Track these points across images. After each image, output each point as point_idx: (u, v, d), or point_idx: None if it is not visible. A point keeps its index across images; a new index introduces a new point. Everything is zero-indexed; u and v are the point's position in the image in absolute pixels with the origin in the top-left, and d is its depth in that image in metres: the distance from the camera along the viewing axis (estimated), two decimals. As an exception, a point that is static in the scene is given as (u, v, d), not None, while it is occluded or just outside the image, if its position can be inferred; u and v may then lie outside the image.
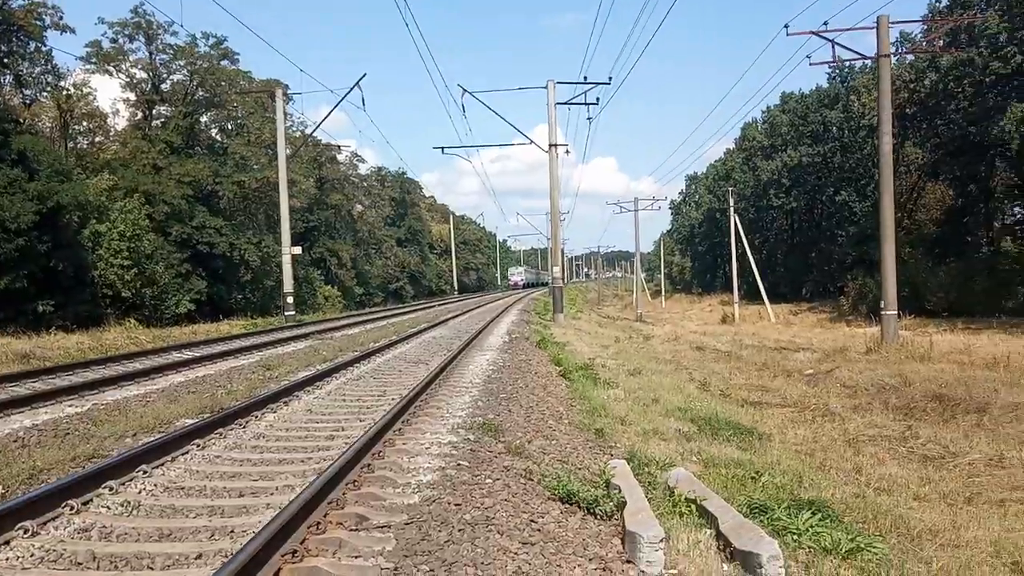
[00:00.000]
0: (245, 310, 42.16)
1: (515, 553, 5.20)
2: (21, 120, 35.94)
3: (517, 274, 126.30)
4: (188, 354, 16.42)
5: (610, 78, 39.78)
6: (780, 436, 12.03)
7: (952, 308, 36.34)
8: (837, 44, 23.22)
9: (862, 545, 6.38)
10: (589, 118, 41.40)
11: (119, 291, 33.65)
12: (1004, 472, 9.76)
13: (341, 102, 41.27)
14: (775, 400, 15.97)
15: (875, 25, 22.65)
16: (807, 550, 6.38)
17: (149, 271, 35.33)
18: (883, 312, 22.51)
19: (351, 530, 5.19)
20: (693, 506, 7.11)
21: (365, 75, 42.83)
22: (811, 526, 6.78)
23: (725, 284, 65.18)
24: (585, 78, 36.38)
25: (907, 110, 43.79)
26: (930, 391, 14.54)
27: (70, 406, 9.99)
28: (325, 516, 5.31)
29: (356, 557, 4.75)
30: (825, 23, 23.25)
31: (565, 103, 31.61)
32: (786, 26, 23.34)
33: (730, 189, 56.97)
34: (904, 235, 41.89)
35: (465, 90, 31.01)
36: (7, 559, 4.63)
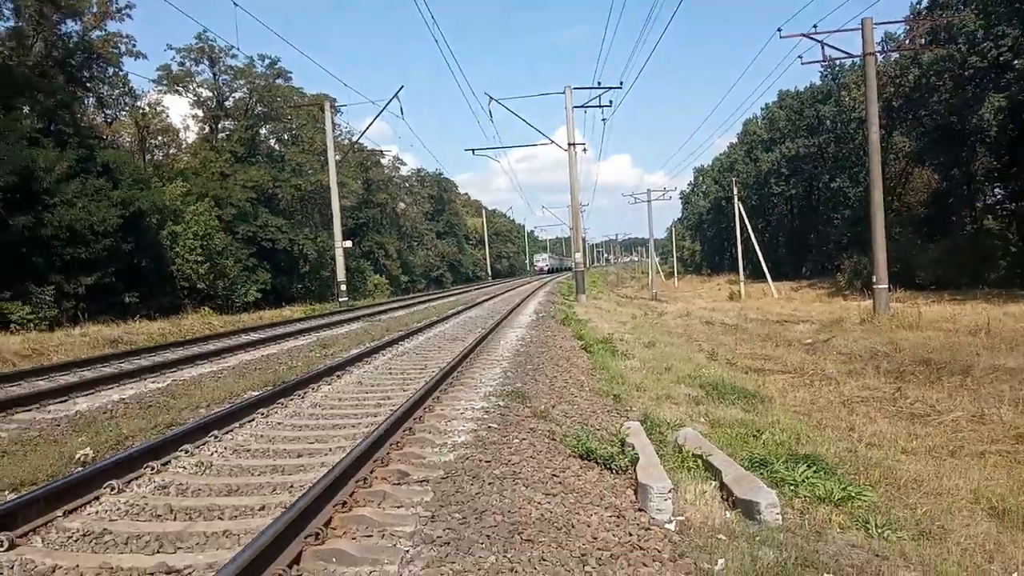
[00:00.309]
0: (305, 298, 42.59)
1: (539, 503, 5.24)
2: (104, 137, 36.53)
3: (542, 260, 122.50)
4: (254, 336, 16.65)
5: (621, 82, 39.32)
6: (780, 399, 11.90)
7: (940, 282, 35.67)
8: (826, 45, 22.76)
9: (853, 494, 6.33)
10: (604, 119, 41.17)
11: (195, 283, 34.16)
12: (984, 428, 9.57)
13: (382, 112, 41.53)
14: (776, 367, 15.78)
15: (860, 27, 22.17)
16: (803, 499, 6.34)
17: (220, 265, 35.78)
18: (875, 286, 22.12)
19: (394, 484, 5.26)
20: (699, 461, 7.09)
21: (403, 87, 42.97)
22: (807, 477, 6.73)
23: (732, 265, 64.48)
24: (599, 83, 36.36)
25: (894, 103, 43.06)
26: (918, 356, 14.29)
27: (152, 382, 10.20)
28: (371, 472, 5.38)
29: (398, 507, 4.83)
30: (815, 26, 22.85)
31: (581, 106, 31.43)
32: (779, 29, 22.92)
33: (733, 179, 56.28)
34: (894, 216, 41.20)
35: (492, 97, 31.00)
36: (96, 512, 4.77)
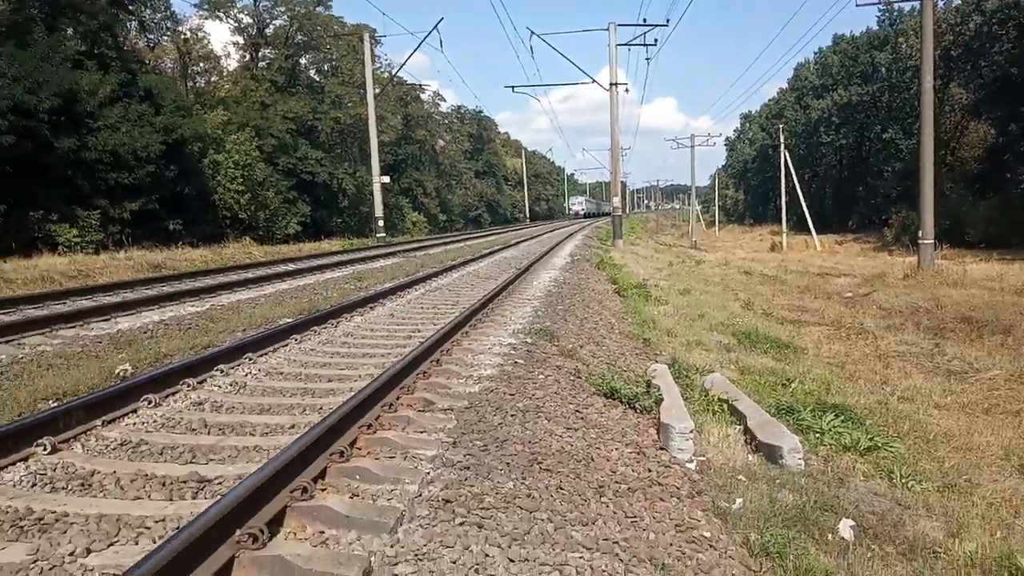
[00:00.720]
0: (343, 232, 42.98)
1: (559, 435, 5.35)
2: (146, 62, 36.70)
3: (578, 204, 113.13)
4: (292, 267, 16.96)
5: (667, 20, 38.24)
6: (814, 350, 11.85)
7: (990, 240, 34.63)
8: (887, -14, 21.73)
9: (879, 444, 6.35)
10: (648, 58, 40.10)
11: (236, 213, 34.62)
12: (1022, 387, 9.45)
13: (421, 44, 41.00)
14: (813, 319, 15.65)
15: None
16: (828, 447, 6.38)
17: (261, 196, 36.16)
18: (920, 241, 21.60)
19: (418, 411, 5.40)
20: (725, 406, 7.15)
21: (442, 19, 42.10)
22: (834, 426, 6.75)
23: (776, 216, 63.30)
24: (644, 20, 35.12)
25: (952, 52, 41.31)
26: (960, 313, 14.03)
27: (191, 306, 10.50)
28: (397, 399, 5.52)
29: (421, 432, 4.97)
30: (876, -35, 21.82)
31: (625, 44, 30.74)
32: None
33: (780, 127, 54.79)
34: (947, 171, 39.95)
35: (533, 32, 30.35)
36: (133, 424, 4.99)
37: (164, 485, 3.97)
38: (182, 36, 43.22)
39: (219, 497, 3.48)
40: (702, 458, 5.78)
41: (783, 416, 6.98)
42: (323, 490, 4.01)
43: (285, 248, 26.98)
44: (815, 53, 72.98)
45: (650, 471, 5.17)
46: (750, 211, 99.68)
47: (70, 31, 28.94)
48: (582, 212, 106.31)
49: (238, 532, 3.23)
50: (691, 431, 5.86)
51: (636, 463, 5.26)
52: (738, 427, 6.63)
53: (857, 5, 23.11)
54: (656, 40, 33.20)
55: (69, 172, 23.47)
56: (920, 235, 21.67)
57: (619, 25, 30.53)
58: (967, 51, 41.16)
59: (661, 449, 5.79)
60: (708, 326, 12.72)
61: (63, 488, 3.91)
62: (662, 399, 6.82)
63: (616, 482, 4.82)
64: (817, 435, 6.54)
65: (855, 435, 6.40)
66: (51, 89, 22.40)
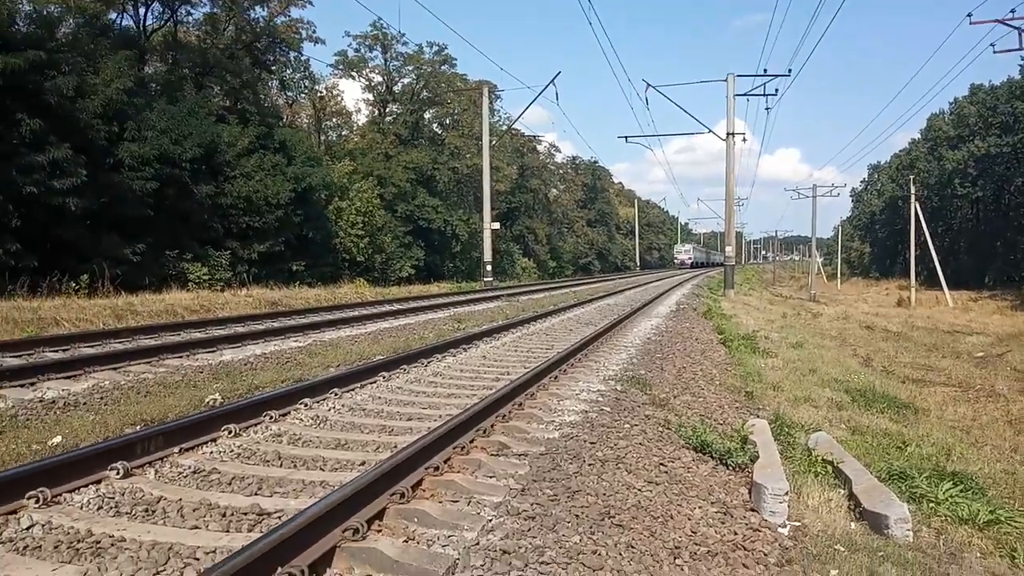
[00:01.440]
0: (455, 276, 43.76)
1: (638, 489, 4.97)
2: (284, 117, 39.12)
3: (684, 252, 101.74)
4: (397, 307, 17.25)
5: (789, 70, 37.13)
6: (937, 412, 10.82)
7: None
8: (1024, 33, 20.18)
9: (1002, 518, 5.59)
10: (768, 108, 38.97)
11: (355, 256, 35.88)
12: None
13: (538, 97, 41.77)
14: (939, 379, 14.39)
15: (1072, 6, 19.50)
16: (942, 518, 5.67)
17: (379, 241, 37.41)
18: (1066, 299, 19.57)
19: (491, 454, 5.16)
20: (829, 467, 6.54)
21: (559, 73, 42.68)
22: (951, 496, 6.03)
23: (904, 270, 59.48)
24: (765, 71, 34.31)
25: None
26: (1109, 379, 12.50)
27: (295, 341, 10.77)
28: (471, 441, 5.31)
29: (491, 477, 4.73)
30: (1012, 11, 20.30)
31: (743, 94, 29.99)
32: (969, 15, 20.63)
33: (911, 177, 51.78)
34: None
35: (649, 84, 30.14)
36: (210, 452, 5.02)
37: (224, 516, 3.91)
38: (318, 93, 45.97)
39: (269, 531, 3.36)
40: (797, 523, 5.23)
41: (894, 482, 6.30)
42: (378, 531, 3.83)
43: (396, 289, 27.64)
44: (950, 103, 69.15)
45: (735, 534, 4.70)
46: (876, 264, 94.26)
47: (216, 88, 31.31)
48: (688, 261, 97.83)
49: (279, 570, 3.08)
50: (785, 492, 5.32)
51: (721, 524, 4.81)
52: (842, 491, 6.02)
53: (995, 52, 21.56)
54: (777, 90, 32.44)
55: (205, 216, 25.07)
56: (1065, 292, 19.63)
57: (738, 76, 30.00)
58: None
59: (751, 511, 5.28)
60: (819, 382, 11.89)
61: (127, 513, 3.92)
62: (757, 456, 6.29)
63: (695, 544, 4.39)
64: (931, 505, 5.84)
65: (975, 506, 5.66)
66: (195, 140, 24.12)
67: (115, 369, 7.95)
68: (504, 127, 51.97)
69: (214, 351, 9.40)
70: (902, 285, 54.60)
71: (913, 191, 48.26)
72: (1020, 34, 20.57)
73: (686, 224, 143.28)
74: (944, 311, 37.11)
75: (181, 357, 8.82)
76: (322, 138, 46.88)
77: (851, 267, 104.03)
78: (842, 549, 4.77)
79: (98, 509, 3.93)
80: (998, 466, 7.40)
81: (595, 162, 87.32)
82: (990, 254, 59.30)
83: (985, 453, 8.04)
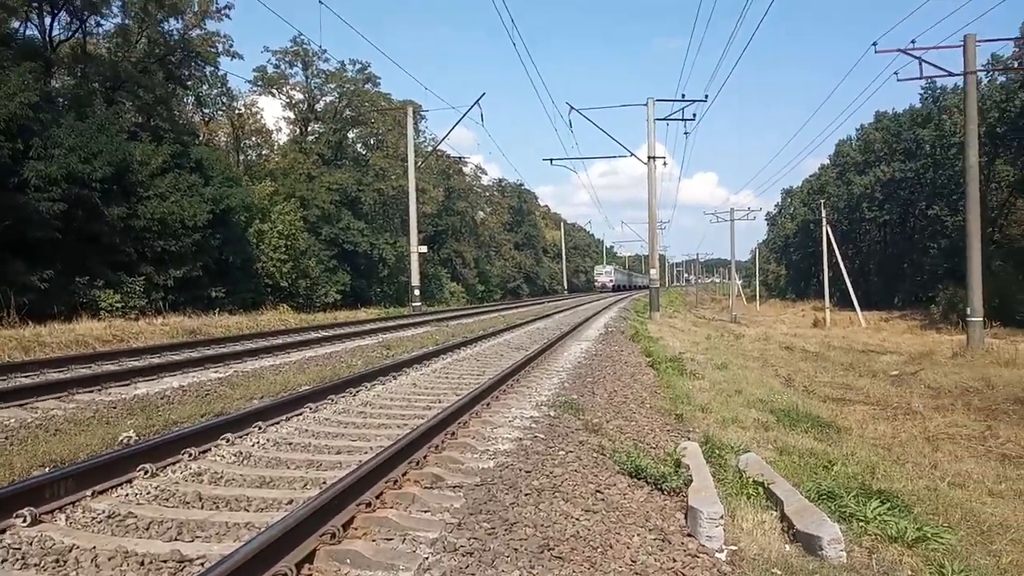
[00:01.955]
0: (382, 301, 43.15)
1: (576, 518, 4.94)
2: (200, 135, 38.00)
3: (605, 274, 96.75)
4: (323, 334, 16.88)
5: (706, 95, 38.53)
6: (859, 430, 11.22)
7: (1042, 319, 33.28)
8: (925, 62, 21.50)
9: (929, 535, 5.78)
10: (686, 132, 40.16)
11: (278, 281, 34.96)
12: (1087, 475, 8.70)
13: (462, 118, 41.95)
14: (858, 398, 14.96)
15: (962, 43, 20.89)
16: (873, 537, 5.84)
17: (303, 265, 36.58)
18: (969, 319, 20.72)
19: (425, 487, 5.05)
20: (760, 489, 6.66)
21: (484, 94, 43.06)
22: (879, 514, 6.21)
23: (819, 291, 62.04)
24: (683, 96, 35.45)
25: (998, 129, 40.68)
26: (1013, 394, 13.24)
27: (215, 372, 10.37)
28: (404, 475, 5.19)
29: (425, 511, 4.61)
30: (913, 41, 21.62)
31: (664, 119, 30.84)
32: (874, 44, 21.85)
33: (822, 202, 54.22)
34: (995, 248, 38.87)
35: (572, 107, 30.67)
36: (126, 494, 4.73)
37: (142, 564, 3.68)
38: (236, 111, 44.92)
39: (189, 581, 3.17)
40: (733, 547, 5.29)
41: (824, 502, 6.46)
42: None
43: (321, 316, 27.08)
44: (857, 130, 72.97)
45: (675, 561, 4.71)
46: (792, 286, 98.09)
47: (128, 104, 30.18)
48: (610, 284, 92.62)
49: (203, 623, 2.91)
50: (721, 516, 5.39)
51: (659, 551, 4.81)
52: (774, 513, 6.13)
53: (898, 80, 22.86)
54: (695, 114, 33.37)
55: (117, 240, 23.99)
56: (968, 312, 20.82)
57: (657, 100, 30.83)
58: (1013, 128, 40.52)
59: (688, 536, 5.32)
60: (745, 402, 12.18)
61: (35, 565, 3.64)
62: (691, 479, 6.36)
63: (636, 573, 4.38)
64: (861, 523, 6.00)
65: (902, 524, 5.84)
66: (105, 159, 23.10)
67: (21, 406, 7.46)
68: (429, 148, 51.96)
69: (128, 384, 8.95)
70: (817, 306, 56.93)
71: (824, 215, 50.52)
72: (920, 63, 21.92)
73: (611, 247, 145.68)
74: (858, 331, 38.79)
75: (93, 391, 8.36)
76: (241, 157, 45.76)
77: (769, 289, 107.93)
78: (779, 572, 4.84)
79: (2, 562, 3.63)
80: (920, 483, 7.70)
81: (521, 185, 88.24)
82: (898, 275, 62.55)
83: (907, 470, 8.35)
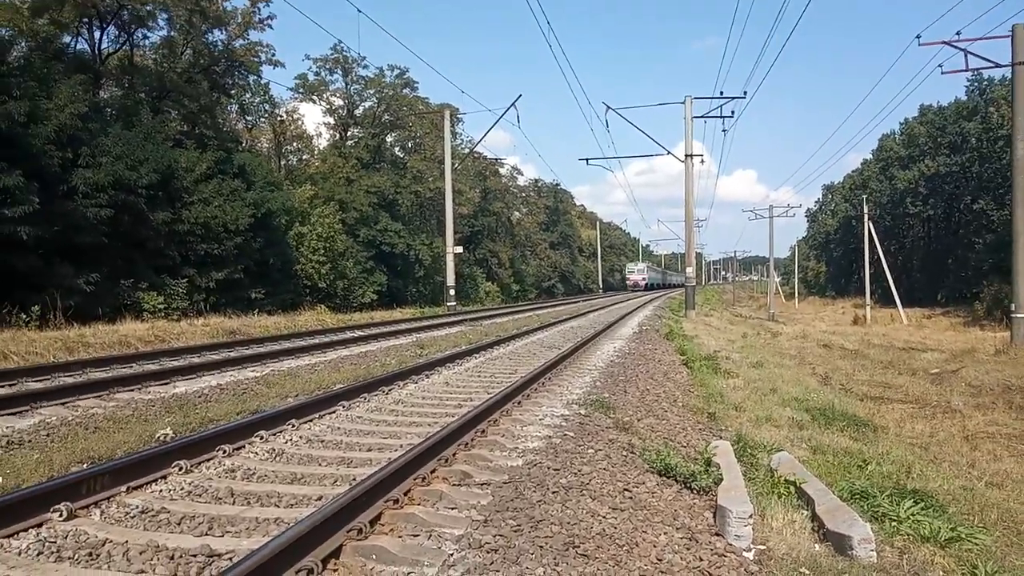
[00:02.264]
0: (418, 301, 43.39)
1: (603, 516, 4.90)
2: (243, 141, 38.64)
3: (637, 272, 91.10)
4: (358, 334, 17.04)
5: (744, 92, 37.99)
6: (896, 429, 10.96)
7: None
8: (970, 53, 20.91)
9: (963, 535, 5.62)
10: (724, 130, 39.56)
11: (316, 282, 35.39)
12: None
13: (499, 120, 42.04)
14: (896, 396, 14.61)
15: (1010, 33, 20.25)
16: (905, 537, 5.69)
17: (341, 267, 36.96)
18: (1013, 315, 20.07)
19: (453, 484, 5.05)
20: (792, 488, 6.55)
21: (520, 96, 43.04)
22: (912, 514, 6.06)
23: (859, 288, 60.74)
24: (721, 93, 34.99)
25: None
26: (1059, 393, 12.81)
27: (252, 371, 10.52)
28: (433, 472, 5.20)
29: (452, 508, 4.62)
30: (958, 32, 21.04)
31: (701, 117, 30.49)
32: (918, 36, 21.32)
33: (864, 197, 53.08)
34: (1044, 242, 37.51)
35: (609, 107, 30.49)
36: (160, 490, 4.82)
37: (172, 559, 3.73)
38: (278, 118, 45.58)
39: None
40: (762, 547, 5.20)
41: (856, 501, 6.32)
42: (334, 571, 3.70)
43: (357, 316, 27.30)
44: (900, 124, 71.26)
45: (701, 560, 4.64)
46: (832, 283, 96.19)
47: (173, 113, 30.83)
48: (642, 282, 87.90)
49: (228, 616, 2.94)
50: (750, 515, 5.29)
51: (686, 550, 4.74)
52: (805, 512, 6.00)
53: (943, 73, 22.30)
54: (733, 112, 32.93)
55: (162, 244, 24.51)
56: (1013, 309, 20.19)
57: (695, 98, 30.50)
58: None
59: (716, 535, 5.24)
60: (780, 401, 11.98)
61: (69, 558, 3.72)
62: (722, 479, 6.26)
63: (661, 572, 4.32)
64: (894, 523, 5.86)
65: (936, 524, 5.69)
66: (151, 166, 23.63)
67: (63, 404, 7.66)
68: (466, 150, 52.14)
69: (167, 383, 9.13)
70: (857, 303, 55.82)
71: (866, 210, 49.45)
72: (966, 55, 21.33)
73: (647, 245, 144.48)
74: (899, 328, 37.92)
75: (133, 390, 8.54)
76: (282, 163, 46.42)
77: (808, 286, 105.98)
78: (808, 572, 4.74)
79: (38, 555, 3.73)
80: (956, 482, 7.48)
81: (557, 184, 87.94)
82: (942, 272, 60.90)
83: (944, 470, 8.13)
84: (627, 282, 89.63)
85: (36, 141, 19.83)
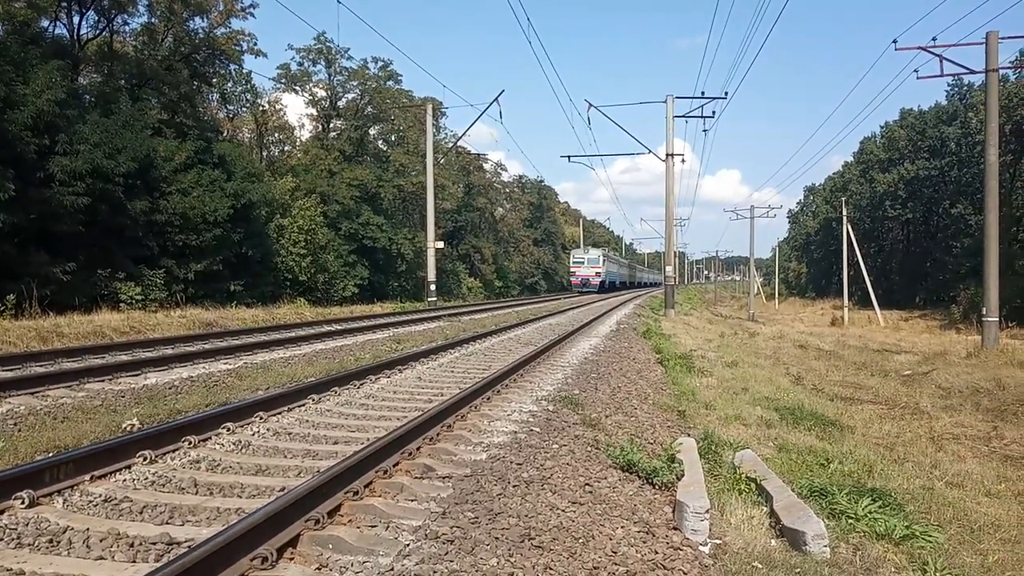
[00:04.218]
0: (399, 296, 43.34)
1: (562, 510, 5.00)
2: (224, 131, 38.39)
3: (588, 263, 61.91)
4: (336, 328, 17.04)
5: (725, 93, 38.24)
6: (863, 430, 11.16)
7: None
8: (945, 59, 21.24)
9: (917, 533, 5.79)
10: (704, 130, 39.85)
11: (297, 275, 35.25)
12: (1090, 477, 8.60)
13: (481, 116, 42.06)
14: (867, 397, 14.86)
15: (984, 40, 20.60)
16: (860, 534, 5.85)
17: (322, 260, 36.86)
18: (984, 318, 20.45)
19: (415, 477, 5.15)
20: (753, 485, 6.69)
21: (503, 91, 42.87)
22: (869, 512, 6.22)
23: (839, 289, 61.50)
24: (703, 93, 35.22)
25: (1024, 127, 39.99)
26: (1023, 395, 13.08)
27: (224, 363, 10.54)
28: (395, 465, 5.29)
29: (412, 500, 4.71)
30: (934, 38, 21.38)
31: (682, 116, 30.68)
32: (894, 41, 21.64)
33: (843, 199, 53.67)
34: (1019, 248, 38.18)
35: (591, 104, 30.47)
36: (124, 480, 4.89)
37: (132, 546, 3.81)
38: (260, 108, 45.31)
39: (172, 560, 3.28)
40: (718, 541, 5.34)
41: (815, 499, 6.48)
42: (290, 559, 3.79)
43: (337, 310, 27.30)
44: (881, 127, 72.14)
45: (656, 553, 4.76)
46: (812, 284, 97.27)
47: (153, 101, 30.58)
48: (595, 279, 60.43)
49: (181, 602, 3.02)
50: (707, 510, 5.44)
51: (642, 543, 4.86)
52: (764, 509, 6.16)
53: (918, 78, 22.60)
54: (715, 112, 33.10)
55: (140, 233, 24.37)
56: (984, 312, 20.55)
57: (677, 97, 30.68)
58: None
59: (674, 529, 5.37)
60: (751, 400, 12.17)
61: (29, 544, 3.78)
62: (683, 474, 6.40)
63: (615, 564, 4.43)
64: (850, 521, 6.02)
65: (892, 522, 5.85)
66: (129, 154, 23.46)
67: (32, 394, 7.67)
68: (449, 145, 52.11)
69: (138, 374, 9.14)
70: (837, 305, 56.44)
71: (845, 213, 49.99)
72: (941, 61, 21.64)
73: (630, 243, 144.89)
74: (876, 330, 38.42)
75: (103, 381, 8.55)
76: (264, 153, 46.17)
77: (789, 287, 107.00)
78: (760, 566, 4.88)
79: (-2, 540, 3.79)
80: (917, 482, 7.67)
81: (541, 181, 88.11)
82: (920, 274, 61.76)
83: (906, 470, 8.32)
84: (572, 280, 62.30)
85: (12, 127, 19.65)
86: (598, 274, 61.28)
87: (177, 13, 30.79)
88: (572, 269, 62.98)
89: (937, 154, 59.31)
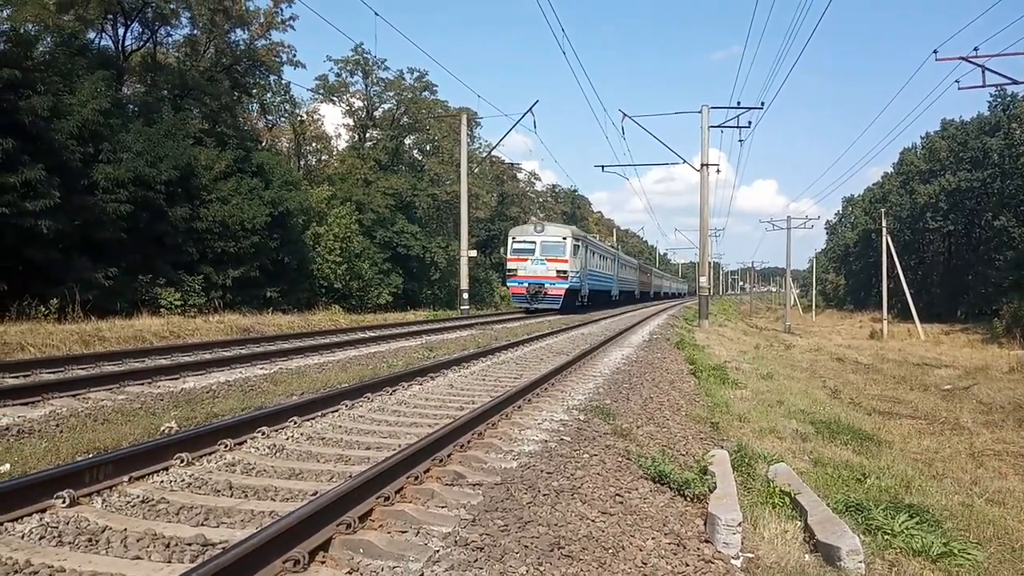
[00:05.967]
0: (433, 303, 43.64)
1: (591, 520, 4.99)
2: (263, 140, 39.09)
3: (533, 253, 32.38)
4: (369, 335, 17.20)
5: (762, 103, 37.88)
6: (901, 444, 10.95)
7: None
8: (988, 69, 20.77)
9: (955, 551, 5.66)
10: (740, 140, 39.51)
11: (332, 283, 35.72)
12: None
13: (515, 125, 42.15)
14: (905, 411, 14.58)
15: (1031, 48, 20.14)
16: (897, 550, 5.73)
17: (357, 267, 37.29)
18: (1030, 333, 19.94)
19: (445, 484, 5.17)
20: (787, 499, 6.59)
21: (537, 101, 42.88)
22: (906, 528, 6.09)
23: (878, 302, 60.43)
24: (738, 103, 34.90)
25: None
26: (1070, 412, 12.73)
27: (261, 368, 10.70)
28: (427, 471, 5.32)
29: (442, 507, 4.73)
30: (975, 48, 20.99)
31: (717, 126, 30.34)
32: (935, 51, 21.24)
33: (883, 210, 52.74)
34: (1066, 260, 37.14)
35: (625, 114, 30.12)
36: (161, 481, 4.98)
37: (168, 546, 3.88)
38: (298, 118, 46.09)
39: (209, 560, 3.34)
40: (751, 554, 5.27)
41: (850, 514, 6.37)
42: (321, 562, 3.83)
43: (371, 317, 27.54)
44: (921, 137, 70.98)
45: (687, 565, 4.72)
46: (850, 296, 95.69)
47: (194, 111, 31.31)
48: (554, 289, 32.46)
49: (214, 602, 3.07)
50: (739, 523, 5.36)
51: (672, 555, 4.82)
52: (798, 523, 6.07)
53: (960, 89, 22.16)
54: (750, 122, 32.79)
55: (180, 240, 24.91)
56: (1030, 326, 20.01)
57: (712, 108, 30.36)
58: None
59: (705, 542, 5.31)
60: (786, 413, 12.00)
61: (69, 543, 3.88)
62: (715, 486, 6.34)
63: (644, 575, 4.41)
64: (887, 537, 5.90)
65: (929, 539, 5.73)
66: (170, 163, 24.03)
67: (74, 396, 7.86)
68: (483, 154, 52.39)
69: (177, 378, 9.33)
70: (876, 317, 55.44)
71: (884, 224, 49.13)
72: (983, 71, 21.18)
73: (664, 254, 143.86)
74: (915, 344, 37.64)
75: (143, 384, 8.74)
76: (301, 162, 46.93)
77: (826, 299, 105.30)
78: (792, 581, 4.81)
79: (40, 539, 3.89)
80: (956, 498, 7.50)
81: (575, 191, 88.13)
82: (962, 288, 60.39)
83: (945, 486, 8.14)
84: (509, 286, 35.87)
85: (58, 136, 20.25)
86: (562, 275, 32.62)
87: (219, 25, 31.52)
88: (510, 264, 33.98)
89: (979, 165, 58.08)
